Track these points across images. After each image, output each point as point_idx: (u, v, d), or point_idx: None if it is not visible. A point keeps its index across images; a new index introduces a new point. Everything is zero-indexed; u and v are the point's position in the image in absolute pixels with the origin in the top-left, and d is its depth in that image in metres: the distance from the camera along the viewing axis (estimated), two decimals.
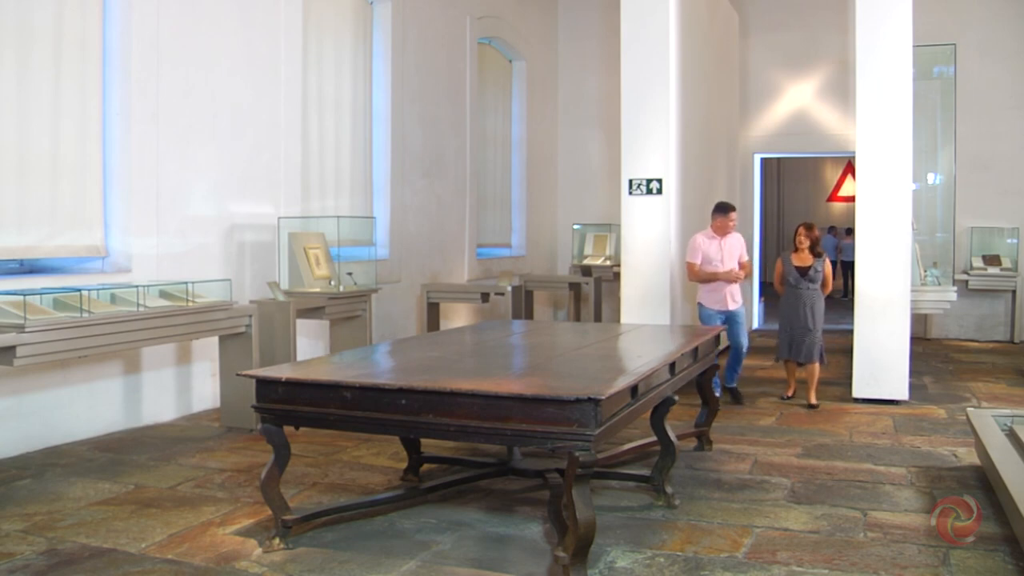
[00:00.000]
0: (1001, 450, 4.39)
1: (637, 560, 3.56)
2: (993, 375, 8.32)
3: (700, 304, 6.96)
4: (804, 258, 6.91)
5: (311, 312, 6.64)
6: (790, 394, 7.02)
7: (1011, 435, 4.66)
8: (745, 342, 7.00)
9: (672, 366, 4.30)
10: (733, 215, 6.94)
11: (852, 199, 7.93)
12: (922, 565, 3.53)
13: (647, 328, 5.90)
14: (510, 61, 11.81)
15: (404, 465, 4.82)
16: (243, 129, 6.81)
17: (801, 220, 7.62)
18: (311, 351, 7.44)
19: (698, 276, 6.93)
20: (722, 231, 6.92)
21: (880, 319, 6.91)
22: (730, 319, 6.90)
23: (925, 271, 9.23)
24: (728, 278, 6.84)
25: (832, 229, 18.61)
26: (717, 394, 6.25)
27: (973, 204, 10.67)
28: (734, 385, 7.06)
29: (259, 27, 6.97)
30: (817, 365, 6.81)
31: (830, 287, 7.00)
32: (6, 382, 5.11)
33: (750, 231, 11.60)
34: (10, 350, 4.36)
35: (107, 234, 5.90)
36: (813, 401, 6.71)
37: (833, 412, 6.56)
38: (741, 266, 6.96)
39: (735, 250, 6.96)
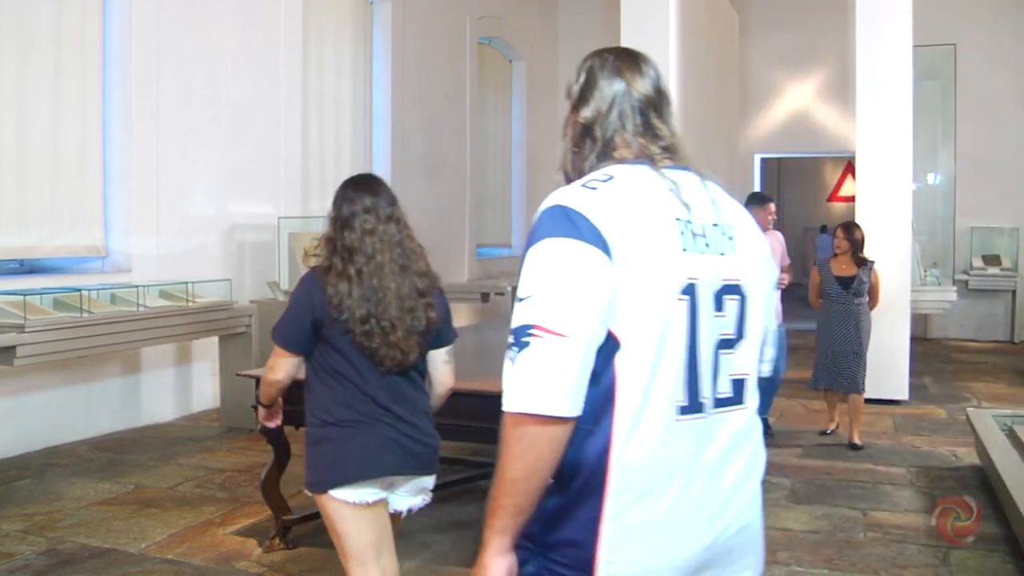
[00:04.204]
0: (1001, 450, 4.39)
1: None
2: (993, 375, 8.31)
3: None
4: (845, 265, 5.66)
5: None
6: (833, 428, 5.83)
7: (1011, 435, 4.66)
8: (783, 367, 5.80)
9: None
10: (772, 207, 5.73)
11: (852, 199, 7.88)
12: (922, 565, 3.53)
13: None
14: (510, 61, 11.81)
15: None
16: (243, 129, 6.81)
17: (802, 220, 7.42)
18: None
19: None
20: (761, 228, 5.73)
21: (880, 319, 6.90)
22: None
23: (925, 271, 9.23)
24: None
25: (824, 228, 18.61)
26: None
27: (973, 204, 10.66)
28: (765, 416, 5.74)
29: (259, 27, 6.97)
30: (861, 396, 5.62)
31: (878, 300, 5.79)
32: (6, 382, 5.11)
33: None
34: (10, 350, 4.36)
35: (107, 234, 5.90)
36: (856, 440, 5.51)
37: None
38: (783, 271, 5.67)
39: (775, 253, 5.49)
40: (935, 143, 10.69)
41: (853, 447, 5.46)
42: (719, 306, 1.36)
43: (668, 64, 7.34)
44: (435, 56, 9.59)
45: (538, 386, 1.22)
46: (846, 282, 5.63)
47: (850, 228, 5.75)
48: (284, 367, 2.37)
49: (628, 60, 1.47)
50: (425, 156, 9.43)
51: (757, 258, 1.45)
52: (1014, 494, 3.67)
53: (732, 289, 1.38)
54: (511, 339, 1.26)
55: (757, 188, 12.28)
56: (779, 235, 5.80)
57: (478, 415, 3.28)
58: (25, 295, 4.66)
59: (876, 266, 5.76)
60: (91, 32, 5.74)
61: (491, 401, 3.44)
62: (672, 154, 1.43)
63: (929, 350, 9.85)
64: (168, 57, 6.13)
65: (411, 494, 2.48)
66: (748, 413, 1.41)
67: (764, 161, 12.73)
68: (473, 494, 4.39)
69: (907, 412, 6.55)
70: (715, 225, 1.39)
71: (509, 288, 8.88)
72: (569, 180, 1.42)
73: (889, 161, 6.92)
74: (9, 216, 5.27)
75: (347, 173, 8.30)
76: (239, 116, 6.76)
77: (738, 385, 1.39)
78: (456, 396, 3.32)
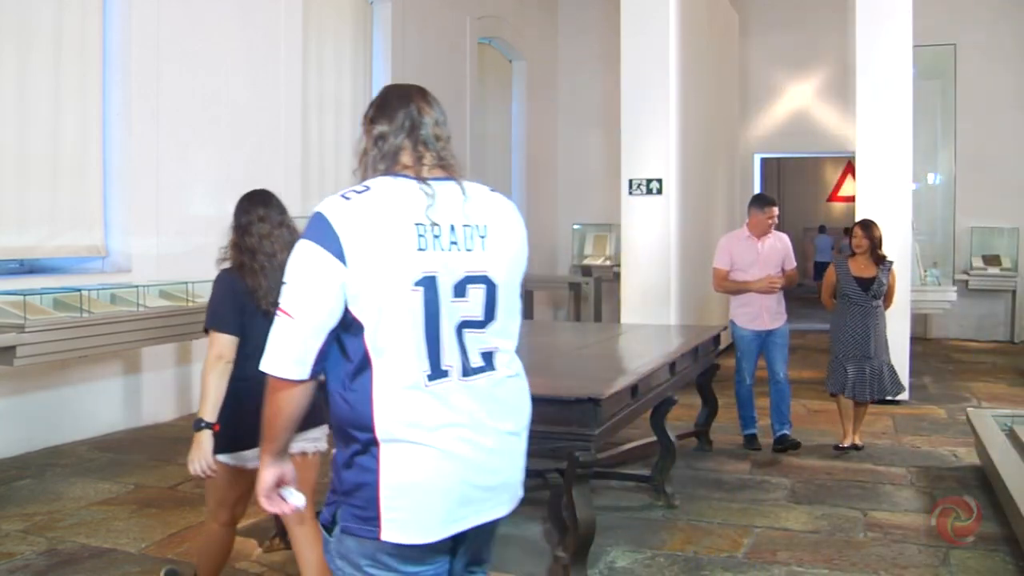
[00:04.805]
0: (1001, 450, 4.40)
1: (637, 560, 3.56)
2: (993, 375, 8.31)
3: (732, 322, 5.56)
4: (864, 266, 5.39)
5: None
6: (847, 443, 5.41)
7: (1011, 435, 4.66)
8: (783, 370, 5.51)
9: (672, 366, 4.29)
10: (774, 211, 5.48)
11: (852, 199, 7.87)
12: (922, 565, 3.53)
13: (647, 328, 5.90)
14: (510, 61, 11.80)
15: None
16: (243, 129, 6.81)
17: (802, 220, 7.37)
18: None
19: (723, 286, 5.54)
20: (760, 230, 5.46)
21: None
22: (767, 341, 5.48)
23: (925, 271, 9.22)
24: (762, 288, 5.35)
25: (823, 228, 18.61)
26: (750, 434, 5.48)
27: (973, 204, 10.65)
28: (786, 432, 5.43)
29: (259, 28, 6.97)
30: (868, 403, 5.48)
31: (892, 301, 5.59)
32: (6, 382, 5.11)
33: None
34: (10, 350, 4.36)
35: (107, 234, 5.90)
36: (857, 441, 5.42)
37: (833, 412, 6.53)
38: (786, 275, 5.49)
39: (777, 255, 5.50)
40: (935, 143, 10.68)
41: (853, 447, 5.40)
42: (461, 293, 1.68)
43: (668, 64, 7.34)
44: (435, 56, 9.59)
45: (275, 354, 1.64)
46: (865, 283, 5.36)
47: (869, 226, 5.46)
48: (227, 349, 2.73)
49: (418, 92, 1.82)
50: None
51: (508, 252, 1.78)
52: (1014, 494, 3.67)
53: (477, 279, 1.70)
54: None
55: (757, 188, 12.28)
56: (784, 237, 5.67)
57: None
58: (25, 295, 4.66)
59: (893, 267, 5.57)
60: (91, 32, 5.74)
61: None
62: (444, 165, 1.78)
63: (929, 350, 9.85)
64: (168, 57, 6.13)
65: (301, 443, 2.82)
66: (499, 375, 1.75)
67: (764, 161, 12.73)
68: None
69: (907, 412, 6.55)
70: (465, 226, 1.72)
71: None
72: (364, 178, 1.74)
73: (889, 161, 6.91)
74: (9, 216, 5.28)
75: (347, 173, 8.30)
76: (239, 116, 6.76)
77: (488, 356, 1.73)
78: None
